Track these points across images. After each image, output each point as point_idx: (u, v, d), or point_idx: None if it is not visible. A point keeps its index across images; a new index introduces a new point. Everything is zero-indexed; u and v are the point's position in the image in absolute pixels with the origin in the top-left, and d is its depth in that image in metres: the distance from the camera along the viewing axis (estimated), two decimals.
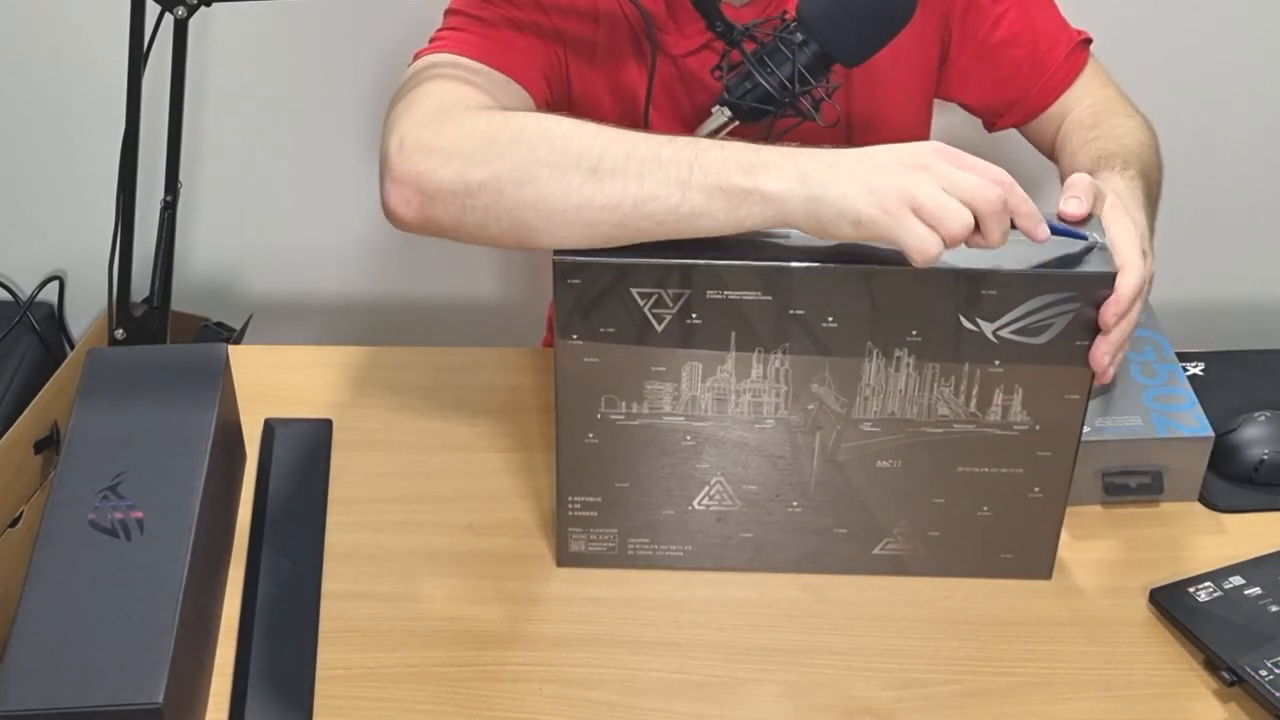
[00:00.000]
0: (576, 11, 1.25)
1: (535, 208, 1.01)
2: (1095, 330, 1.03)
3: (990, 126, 1.42)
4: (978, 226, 0.96)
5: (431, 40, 1.22)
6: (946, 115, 1.44)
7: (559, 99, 1.28)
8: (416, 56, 1.20)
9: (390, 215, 1.07)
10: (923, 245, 0.95)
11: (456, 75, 1.15)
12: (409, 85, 1.13)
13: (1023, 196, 0.98)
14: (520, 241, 1.04)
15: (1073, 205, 1.05)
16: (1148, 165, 1.25)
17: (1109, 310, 1.02)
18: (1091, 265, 1.02)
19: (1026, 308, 1.03)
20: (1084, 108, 1.35)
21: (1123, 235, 1.05)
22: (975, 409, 1.08)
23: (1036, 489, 1.12)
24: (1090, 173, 1.20)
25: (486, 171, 1.02)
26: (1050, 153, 1.38)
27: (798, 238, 1.02)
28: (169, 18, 1.24)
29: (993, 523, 1.14)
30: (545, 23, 1.24)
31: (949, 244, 0.95)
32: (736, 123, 1.18)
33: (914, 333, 1.04)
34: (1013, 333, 1.04)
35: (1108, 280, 1.01)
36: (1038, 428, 1.09)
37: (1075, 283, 1.02)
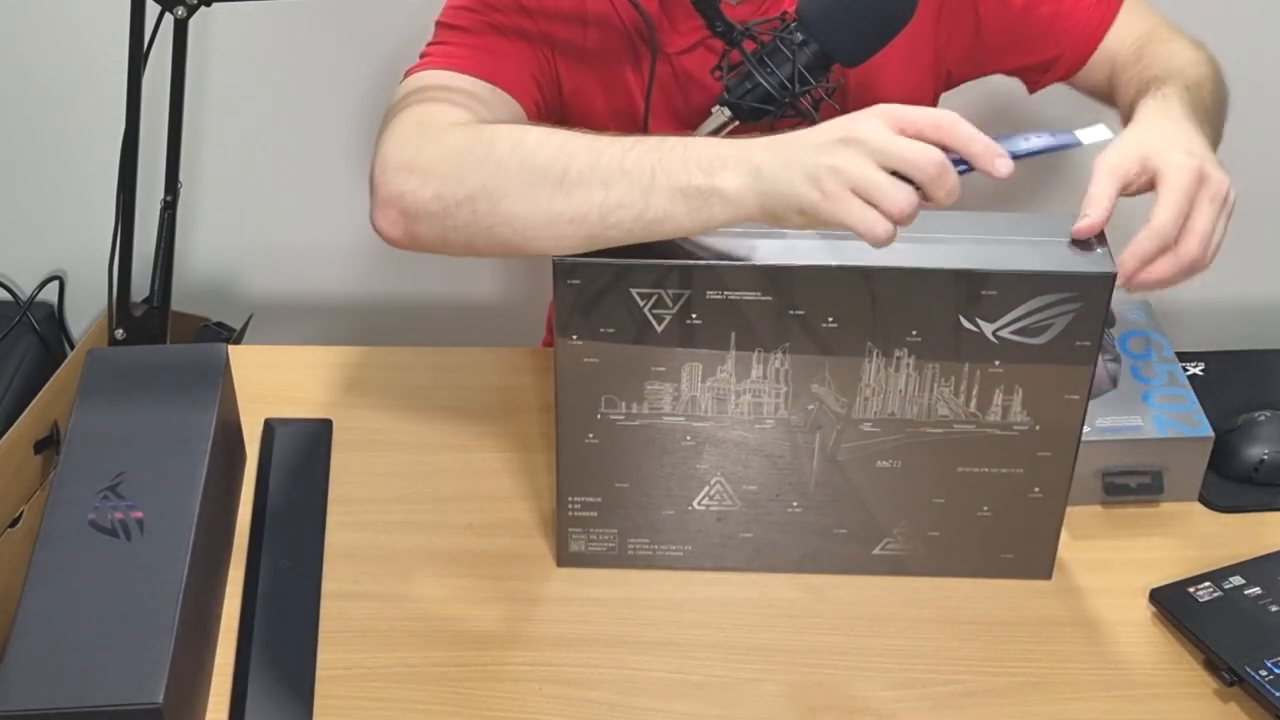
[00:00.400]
0: (563, 15, 1.25)
1: (509, 225, 1.02)
2: (1096, 330, 1.03)
3: (1033, 87, 1.40)
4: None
5: (421, 56, 1.23)
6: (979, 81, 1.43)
7: (550, 102, 1.27)
8: (406, 74, 1.20)
9: (381, 236, 1.09)
10: (869, 227, 0.93)
11: (439, 93, 1.16)
12: (395, 108, 1.14)
13: (969, 134, 0.95)
14: (505, 254, 1.06)
15: (1083, 224, 1.03)
16: (1196, 79, 1.21)
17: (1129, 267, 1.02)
18: (1091, 266, 1.02)
19: (1026, 308, 1.03)
20: (1127, 47, 1.31)
21: (1174, 176, 1.03)
22: (975, 409, 1.08)
23: (1036, 489, 1.12)
24: (1133, 104, 1.18)
25: (461, 190, 1.04)
26: (1108, 100, 1.34)
27: (794, 234, 1.02)
28: (169, 18, 1.24)
29: (993, 523, 1.14)
30: (530, 26, 1.24)
31: (896, 221, 0.94)
32: (737, 122, 1.18)
33: (914, 333, 1.04)
34: (1013, 333, 1.04)
35: (1108, 281, 1.01)
36: (1038, 428, 1.09)
37: (1075, 283, 1.02)
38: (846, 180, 0.93)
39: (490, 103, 1.18)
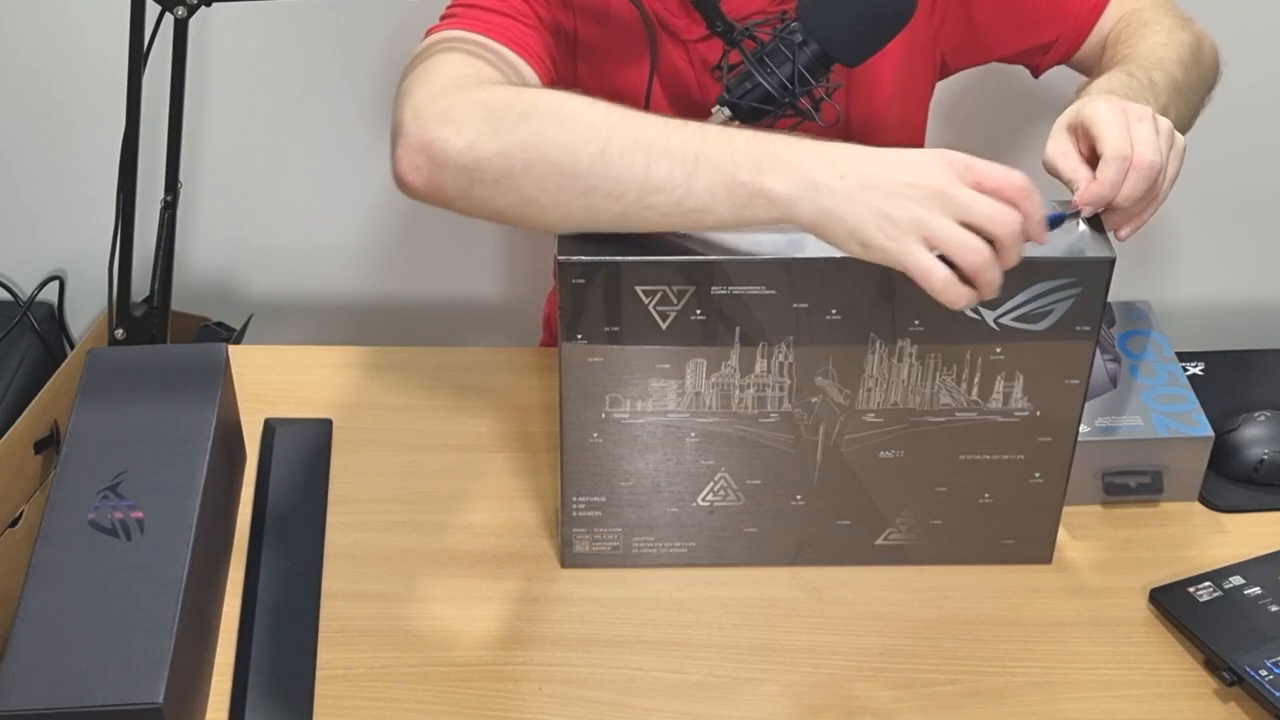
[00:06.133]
0: (586, 10, 1.24)
1: (543, 188, 1.00)
2: (1096, 315, 1.04)
3: (1035, 71, 1.39)
4: None
5: (443, 17, 1.20)
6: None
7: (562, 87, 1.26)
8: (429, 33, 1.18)
9: (400, 181, 1.07)
10: (928, 277, 0.94)
11: (472, 50, 1.14)
12: (424, 56, 1.12)
13: (1038, 204, 0.97)
14: (526, 219, 1.03)
15: (1081, 195, 1.04)
16: (1153, 60, 1.19)
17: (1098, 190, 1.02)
18: (1090, 251, 1.02)
19: (1027, 294, 1.03)
20: (1115, 29, 1.30)
21: (1101, 114, 1.03)
22: (977, 396, 1.08)
23: (1037, 474, 1.13)
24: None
25: (496, 145, 1.01)
26: None
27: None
28: (169, 18, 1.23)
29: (994, 509, 1.14)
30: (558, 16, 1.23)
31: (967, 273, 0.94)
32: (736, 123, 1.18)
33: (916, 322, 1.05)
34: (1014, 319, 1.04)
35: (1107, 265, 1.02)
36: (1038, 414, 1.09)
37: (1075, 268, 1.02)
38: (925, 231, 0.94)
39: (512, 69, 1.16)
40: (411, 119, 1.05)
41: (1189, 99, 1.21)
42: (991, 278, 0.95)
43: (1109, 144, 1.02)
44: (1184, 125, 1.17)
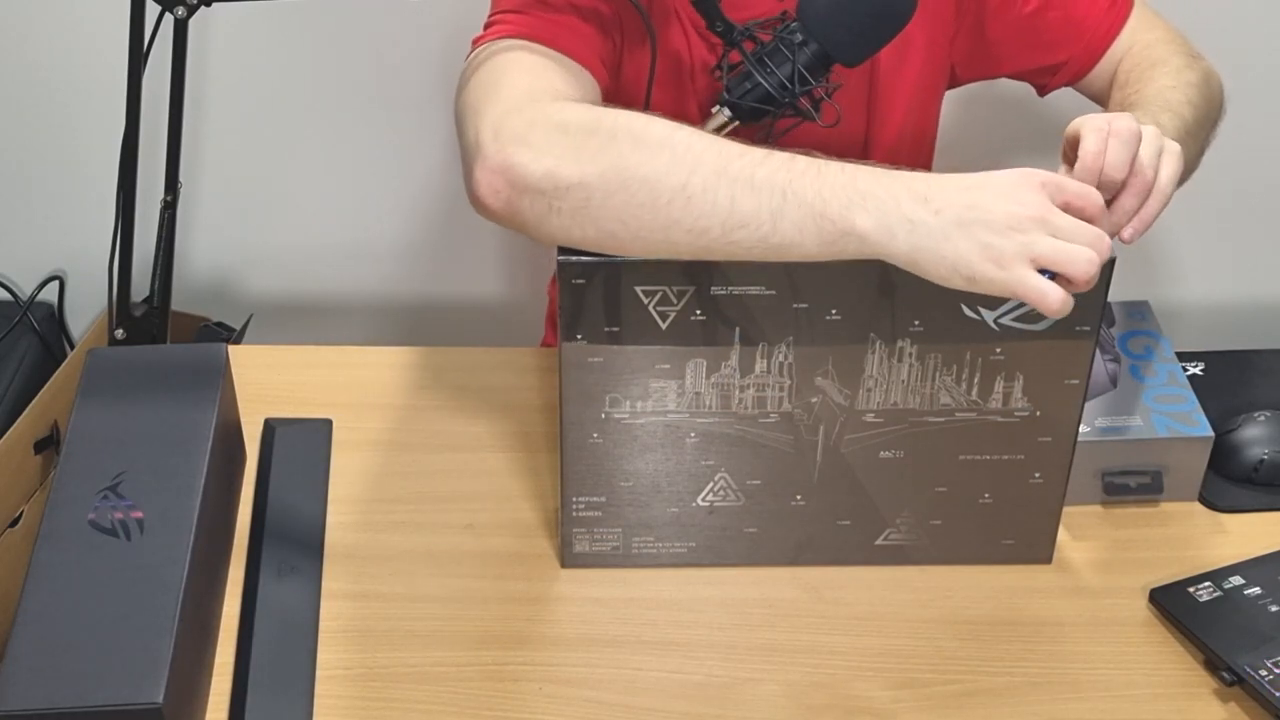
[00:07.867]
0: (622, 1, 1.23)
1: (623, 223, 0.99)
2: (1095, 315, 1.04)
3: (1041, 90, 1.39)
4: None
5: (488, 26, 1.18)
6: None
7: (608, 87, 1.25)
8: (475, 44, 1.16)
9: (477, 203, 1.04)
10: (1043, 298, 0.93)
11: (536, 61, 1.12)
12: (486, 69, 1.10)
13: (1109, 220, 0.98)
14: (606, 249, 1.01)
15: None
16: (1163, 105, 1.19)
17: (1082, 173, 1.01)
18: None
19: None
20: (1128, 59, 1.30)
21: (1085, 119, 1.03)
22: (977, 397, 1.09)
23: (1037, 474, 1.13)
24: None
25: (575, 174, 0.99)
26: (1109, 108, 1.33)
27: None
28: (169, 18, 1.24)
29: (994, 509, 1.15)
30: (603, 10, 1.21)
31: (1078, 281, 0.94)
32: (737, 122, 1.18)
33: (916, 322, 1.05)
34: (1014, 319, 1.05)
35: (1106, 266, 1.02)
36: (1038, 414, 1.09)
37: None
38: (1032, 254, 0.93)
39: (576, 80, 1.14)
40: (491, 139, 1.02)
41: (1196, 137, 1.21)
42: (1094, 281, 0.95)
43: (1088, 125, 1.02)
44: (1191, 164, 1.17)
